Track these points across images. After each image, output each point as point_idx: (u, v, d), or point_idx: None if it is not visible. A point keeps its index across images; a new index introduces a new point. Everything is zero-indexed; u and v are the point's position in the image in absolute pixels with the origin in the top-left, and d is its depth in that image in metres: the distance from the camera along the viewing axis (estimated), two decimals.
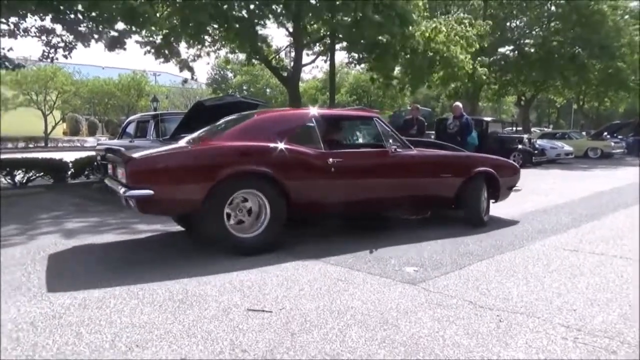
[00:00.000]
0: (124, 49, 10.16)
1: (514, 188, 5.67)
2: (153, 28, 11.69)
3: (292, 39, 16.11)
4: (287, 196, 4.02)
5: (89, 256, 4.06)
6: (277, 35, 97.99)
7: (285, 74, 16.28)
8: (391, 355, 2.18)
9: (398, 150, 4.70)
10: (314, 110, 4.68)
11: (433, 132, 13.75)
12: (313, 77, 42.05)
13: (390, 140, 4.74)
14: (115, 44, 10.02)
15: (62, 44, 9.95)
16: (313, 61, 19.72)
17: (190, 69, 14.41)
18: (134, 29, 10.07)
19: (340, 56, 52.31)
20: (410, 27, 13.01)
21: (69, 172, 9.24)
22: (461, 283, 3.23)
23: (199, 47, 14.95)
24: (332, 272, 3.45)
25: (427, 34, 14.16)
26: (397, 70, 17.12)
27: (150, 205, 3.71)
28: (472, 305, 2.80)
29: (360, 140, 7.06)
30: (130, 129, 9.69)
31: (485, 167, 5.22)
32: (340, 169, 4.28)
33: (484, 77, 18.16)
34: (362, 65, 18.94)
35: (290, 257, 3.82)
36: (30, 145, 27.69)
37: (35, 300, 2.86)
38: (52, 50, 10.03)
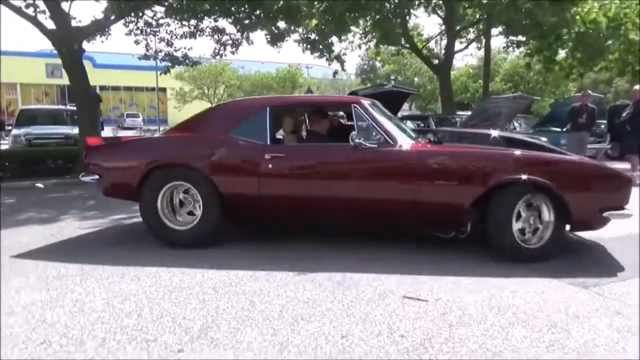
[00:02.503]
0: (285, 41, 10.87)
1: (616, 213, 3.43)
2: (309, 25, 12.23)
3: (444, 26, 15.58)
4: (219, 192, 3.84)
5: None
6: (427, 23, 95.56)
7: (436, 61, 15.85)
8: None
9: (368, 144, 3.62)
10: (276, 98, 4.65)
11: (604, 121, 12.18)
12: (465, 64, 40.24)
13: (354, 133, 3.63)
14: (277, 40, 10.77)
15: (230, 42, 11.01)
16: (466, 47, 18.83)
17: (340, 61, 14.83)
18: (292, 27, 10.72)
19: (495, 42, 49.12)
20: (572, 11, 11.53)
21: None
22: None
23: (350, 40, 15.28)
24: (490, 267, 3.31)
25: (590, 16, 12.39)
26: (562, 53, 15.40)
27: (103, 189, 4.22)
28: None
29: (334, 132, 5.08)
30: None
31: (525, 174, 3.36)
32: (279, 166, 3.76)
33: None
34: (521, 49, 17.39)
35: (442, 248, 3.77)
36: None
37: (216, 269, 3.27)
38: (222, 48, 11.15)
